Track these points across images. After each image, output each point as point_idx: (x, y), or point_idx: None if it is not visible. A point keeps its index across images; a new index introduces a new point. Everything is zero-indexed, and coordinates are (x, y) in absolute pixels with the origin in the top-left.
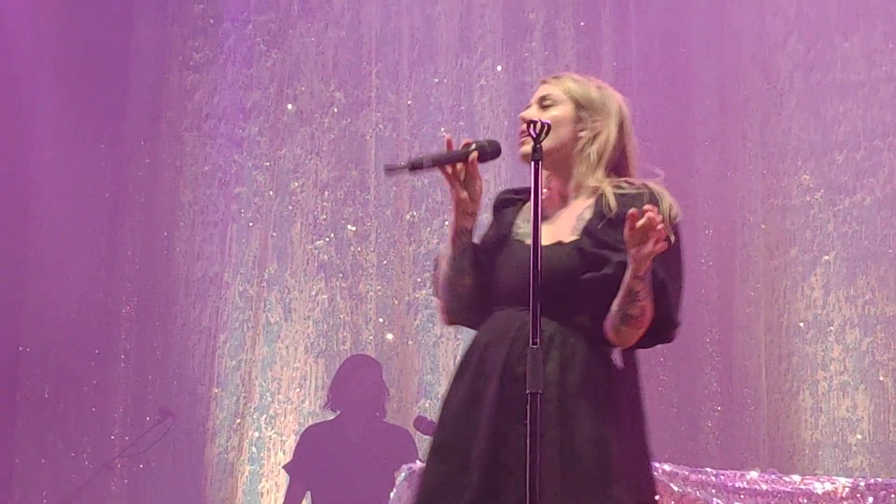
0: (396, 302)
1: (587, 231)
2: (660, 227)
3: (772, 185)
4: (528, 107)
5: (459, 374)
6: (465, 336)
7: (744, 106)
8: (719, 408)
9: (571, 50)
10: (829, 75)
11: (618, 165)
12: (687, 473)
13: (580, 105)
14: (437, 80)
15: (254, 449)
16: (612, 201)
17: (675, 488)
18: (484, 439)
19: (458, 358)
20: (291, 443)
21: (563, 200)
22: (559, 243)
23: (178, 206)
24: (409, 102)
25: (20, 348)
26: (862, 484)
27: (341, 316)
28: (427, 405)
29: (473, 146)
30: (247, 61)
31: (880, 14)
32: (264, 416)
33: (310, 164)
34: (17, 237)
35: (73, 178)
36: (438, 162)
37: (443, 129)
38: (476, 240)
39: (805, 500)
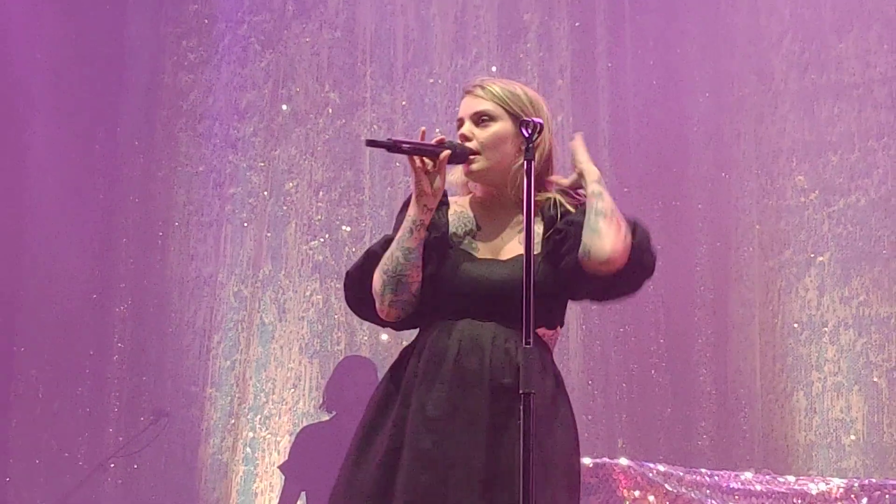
0: None
1: (549, 242)
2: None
3: (766, 186)
4: (460, 122)
5: (427, 381)
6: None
7: (738, 106)
8: (714, 408)
9: (566, 50)
10: (824, 76)
11: (548, 168)
12: (682, 474)
13: (517, 118)
14: (431, 80)
15: (248, 449)
16: (567, 210)
17: (670, 488)
18: (481, 452)
19: (407, 365)
20: (286, 443)
21: (497, 211)
22: (520, 256)
23: (172, 206)
24: (404, 103)
25: (14, 348)
26: (856, 485)
27: (336, 316)
28: None
29: (446, 145)
30: (241, 61)
31: (875, 15)
32: (259, 416)
33: (304, 165)
34: (11, 237)
35: (67, 177)
36: (415, 151)
37: (437, 130)
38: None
39: (799, 501)
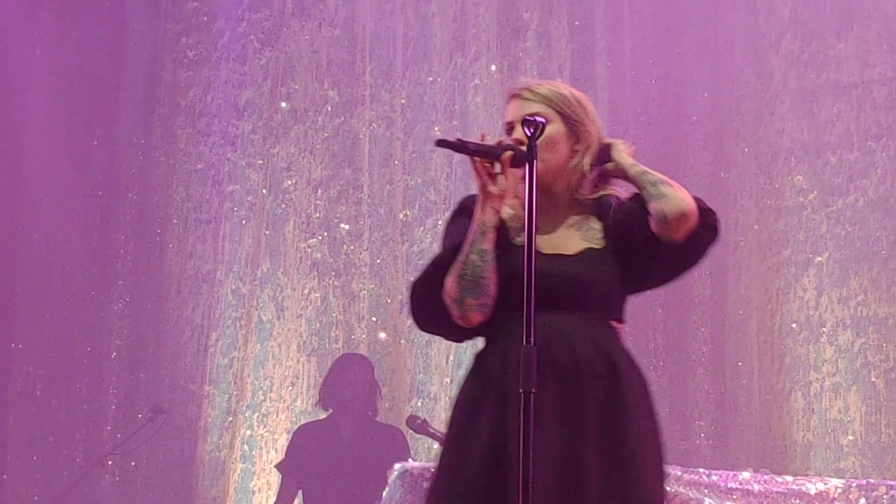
0: (389, 301)
1: (610, 236)
2: None
3: (765, 186)
4: (510, 126)
5: (499, 383)
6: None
7: (737, 106)
8: (711, 408)
9: (565, 49)
10: (823, 76)
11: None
12: (679, 473)
13: (568, 119)
14: (430, 79)
15: (246, 447)
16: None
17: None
18: (593, 443)
19: (484, 366)
20: (283, 441)
21: (557, 211)
22: (591, 249)
23: (171, 203)
24: (403, 101)
25: (12, 345)
26: (854, 485)
27: (334, 314)
28: (419, 404)
29: (506, 146)
30: (241, 59)
31: (874, 15)
32: (256, 414)
33: (303, 163)
34: (9, 234)
35: (65, 174)
36: (479, 152)
37: (437, 129)
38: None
39: (797, 501)
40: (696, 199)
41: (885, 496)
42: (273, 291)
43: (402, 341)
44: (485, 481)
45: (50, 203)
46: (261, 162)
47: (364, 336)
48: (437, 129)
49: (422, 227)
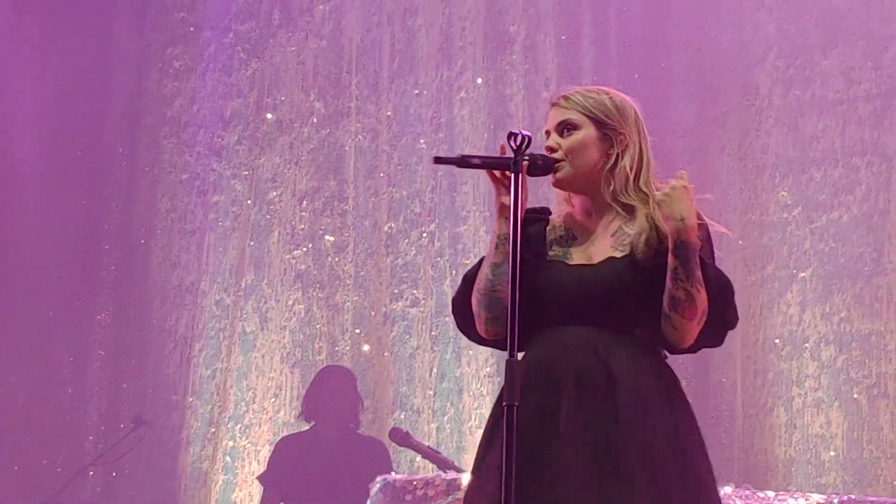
0: (373, 313)
1: (636, 246)
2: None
3: (749, 201)
4: (548, 135)
5: (523, 391)
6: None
7: (722, 121)
8: None
9: (552, 63)
10: (808, 92)
11: (640, 170)
12: None
13: (601, 123)
14: (417, 91)
15: (228, 458)
16: (651, 236)
17: None
18: (576, 454)
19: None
20: (266, 453)
21: (591, 218)
22: (611, 259)
23: (155, 213)
24: (389, 113)
25: None
26: (836, 500)
27: (318, 326)
28: (402, 416)
29: (527, 157)
30: (227, 70)
31: (859, 32)
32: (239, 425)
33: (288, 174)
34: None
35: (50, 184)
36: (487, 164)
37: (422, 141)
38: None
39: None
40: (721, 308)
41: None
42: (257, 303)
43: (386, 354)
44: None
45: (34, 212)
46: (246, 173)
47: (348, 348)
48: (422, 141)
49: (406, 240)
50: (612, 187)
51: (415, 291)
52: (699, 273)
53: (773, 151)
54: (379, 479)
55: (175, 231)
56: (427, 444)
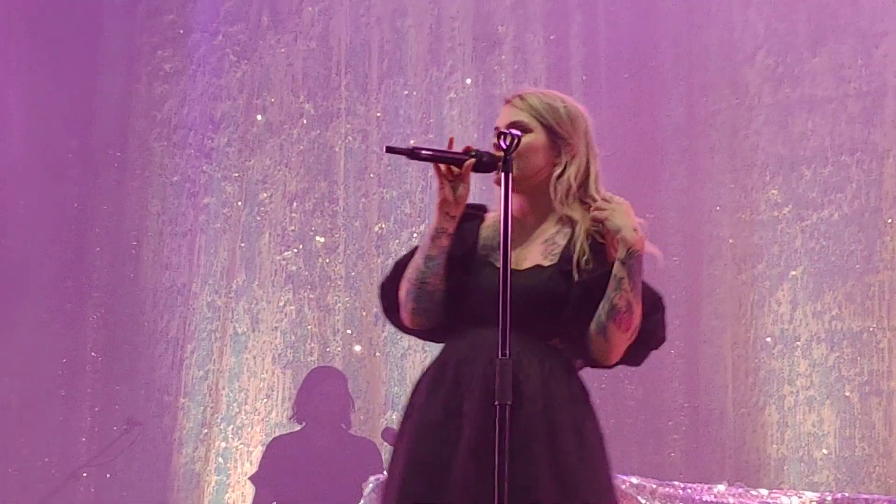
0: (364, 313)
1: (565, 256)
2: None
3: (740, 200)
4: (497, 132)
5: (433, 389)
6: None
7: (712, 120)
8: (686, 421)
9: (541, 63)
10: (798, 90)
11: (584, 182)
12: (655, 486)
13: (551, 130)
14: (406, 92)
15: (220, 459)
16: (587, 249)
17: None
18: (465, 458)
19: (428, 372)
20: (258, 453)
21: (529, 224)
22: (538, 267)
23: (146, 215)
24: (379, 114)
25: None
26: (829, 498)
27: (309, 327)
28: (394, 417)
29: (473, 153)
30: (216, 72)
31: (849, 30)
32: (231, 426)
33: (279, 175)
34: None
35: (40, 186)
36: (437, 157)
37: (412, 142)
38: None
39: None
40: (653, 328)
41: None
42: (248, 304)
43: (377, 354)
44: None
45: (25, 215)
46: (236, 174)
47: (339, 349)
48: (412, 142)
49: (397, 240)
50: (556, 196)
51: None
52: (640, 286)
53: (764, 150)
54: (371, 479)
55: (166, 233)
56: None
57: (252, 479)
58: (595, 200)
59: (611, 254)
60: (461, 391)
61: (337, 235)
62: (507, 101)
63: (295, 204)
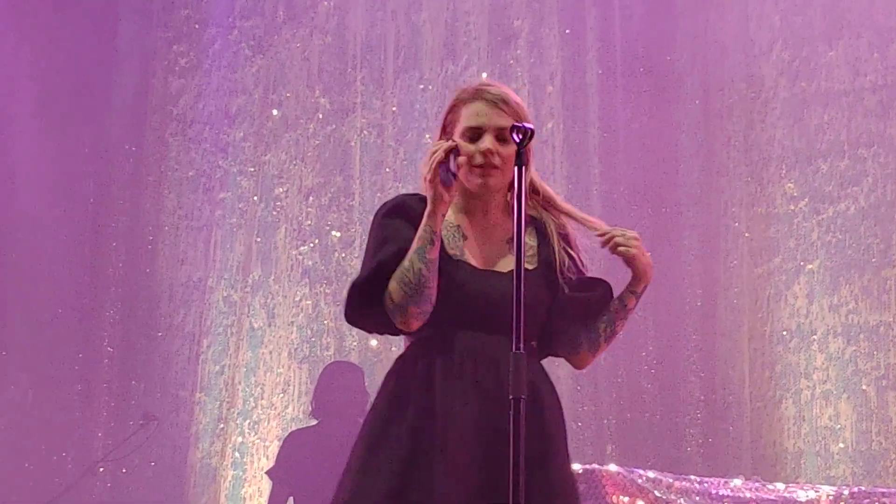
0: None
1: (545, 261)
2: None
3: (756, 193)
4: (478, 131)
5: (451, 395)
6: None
7: (728, 113)
8: (702, 415)
9: (556, 57)
10: (814, 84)
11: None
12: (671, 480)
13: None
14: (422, 86)
15: (237, 454)
16: (567, 248)
17: (659, 495)
18: (491, 463)
19: (420, 372)
20: (274, 448)
21: (486, 218)
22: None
23: (162, 210)
24: (394, 109)
25: (4, 352)
26: (845, 492)
27: (325, 322)
28: None
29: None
30: (232, 66)
31: (865, 23)
32: (248, 421)
33: (294, 170)
34: (0, 241)
35: (56, 181)
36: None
37: (427, 136)
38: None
39: None
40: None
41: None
42: (264, 298)
43: (393, 349)
44: (395, 492)
45: (41, 210)
46: (252, 169)
47: (355, 343)
48: (427, 136)
49: None
50: (511, 199)
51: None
52: None
53: (780, 143)
54: None
55: (182, 228)
56: None
57: (269, 473)
58: (538, 194)
59: (581, 263)
60: (485, 398)
61: (353, 230)
62: (489, 101)
63: (311, 198)
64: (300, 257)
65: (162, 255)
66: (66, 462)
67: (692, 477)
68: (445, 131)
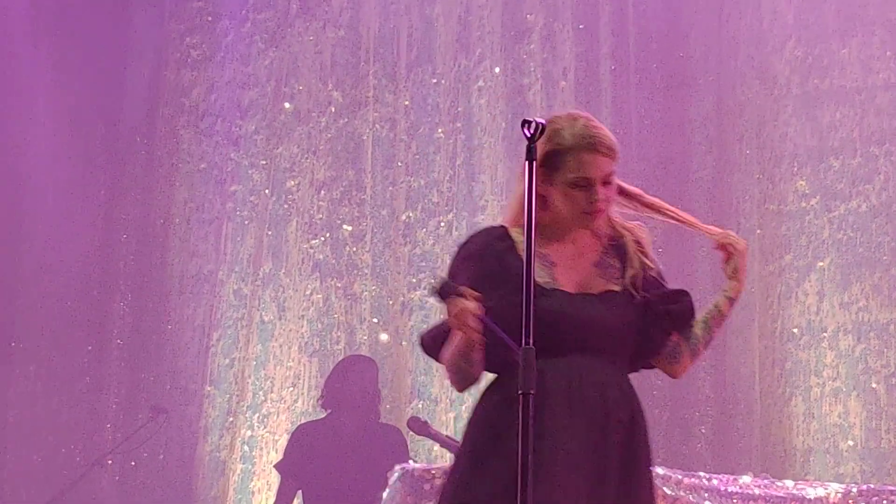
0: (391, 302)
1: (629, 281)
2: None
3: (767, 190)
4: (589, 181)
5: (558, 418)
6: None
7: (741, 110)
8: (712, 412)
9: (570, 52)
10: (827, 81)
11: None
12: (680, 477)
13: None
14: (434, 80)
15: (246, 447)
16: (645, 261)
17: (668, 492)
18: (614, 488)
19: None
20: (284, 442)
21: (570, 242)
22: (611, 292)
23: (173, 203)
24: (407, 103)
25: (14, 344)
26: (854, 490)
27: (336, 316)
28: (420, 406)
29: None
30: (244, 59)
31: (878, 21)
32: (257, 414)
33: (306, 164)
34: (11, 233)
35: (68, 173)
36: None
37: (440, 131)
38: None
39: None
40: None
41: (884, 502)
42: (275, 292)
43: (404, 343)
44: None
45: (53, 202)
46: (264, 162)
47: (366, 338)
48: (440, 130)
49: (424, 229)
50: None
51: (432, 281)
52: None
53: (792, 140)
54: (397, 467)
55: (193, 220)
56: (445, 433)
57: (277, 467)
58: (624, 194)
59: (659, 274)
60: (592, 422)
61: (364, 224)
62: (603, 154)
63: (322, 192)
64: (311, 251)
65: (173, 248)
66: (74, 454)
67: (701, 474)
68: (543, 164)
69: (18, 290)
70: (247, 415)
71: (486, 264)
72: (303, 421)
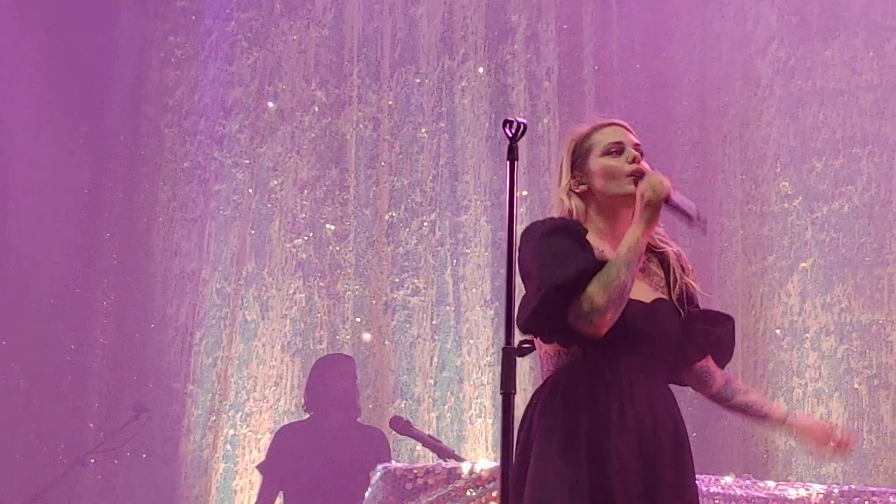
0: (374, 302)
1: (675, 291)
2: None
3: (750, 191)
4: (621, 146)
5: (612, 421)
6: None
7: (724, 111)
8: (694, 413)
9: (553, 53)
10: (809, 82)
11: None
12: None
13: None
14: (418, 80)
15: (228, 446)
16: (686, 278)
17: None
18: (651, 493)
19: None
20: (266, 441)
21: (615, 243)
22: (662, 300)
23: (156, 202)
24: (390, 103)
25: None
26: (836, 490)
27: (318, 315)
28: (403, 405)
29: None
30: (228, 58)
31: (861, 22)
32: (239, 413)
33: (289, 163)
34: None
35: (51, 172)
36: (675, 205)
37: (423, 130)
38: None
39: None
40: None
41: (866, 502)
42: (258, 291)
43: (387, 342)
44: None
45: (36, 200)
46: (247, 161)
47: (348, 337)
48: (423, 130)
49: (407, 229)
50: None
51: (415, 280)
52: None
53: (775, 141)
54: (379, 467)
55: (176, 219)
56: (427, 433)
57: (259, 467)
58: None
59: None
60: (641, 428)
61: (347, 223)
62: (618, 125)
63: (306, 191)
64: (294, 250)
65: (156, 247)
66: (57, 452)
67: None
68: (576, 166)
69: (1, 289)
70: (229, 414)
71: (580, 244)
72: (285, 420)
